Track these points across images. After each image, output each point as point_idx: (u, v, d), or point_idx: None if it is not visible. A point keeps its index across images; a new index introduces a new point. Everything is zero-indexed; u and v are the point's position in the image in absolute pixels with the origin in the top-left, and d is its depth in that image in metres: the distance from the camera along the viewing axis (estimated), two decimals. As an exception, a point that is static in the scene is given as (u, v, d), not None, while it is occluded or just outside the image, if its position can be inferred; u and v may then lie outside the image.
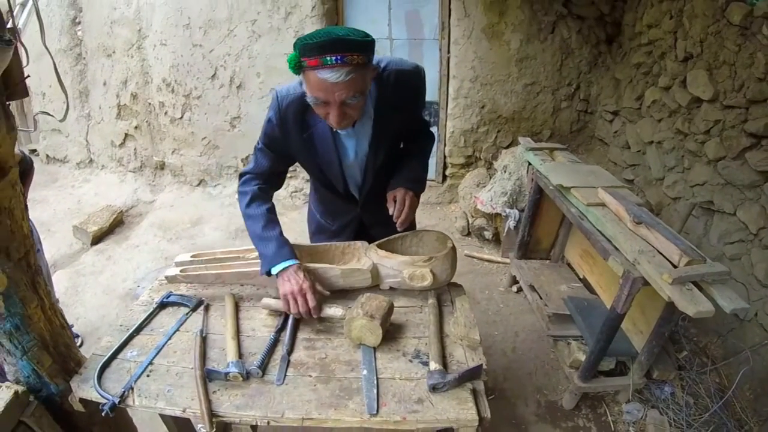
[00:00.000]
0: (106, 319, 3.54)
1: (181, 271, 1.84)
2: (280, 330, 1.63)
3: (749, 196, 3.24)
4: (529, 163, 3.43)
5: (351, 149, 1.77)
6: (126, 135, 5.68)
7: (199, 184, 5.51)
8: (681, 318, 2.46)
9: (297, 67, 1.40)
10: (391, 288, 1.84)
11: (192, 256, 1.94)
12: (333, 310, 1.61)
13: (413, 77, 1.71)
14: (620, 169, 4.63)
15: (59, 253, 4.47)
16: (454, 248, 1.83)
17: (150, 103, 5.41)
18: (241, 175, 1.87)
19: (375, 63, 1.55)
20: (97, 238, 4.62)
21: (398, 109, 1.70)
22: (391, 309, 1.59)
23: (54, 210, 5.26)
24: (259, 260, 1.74)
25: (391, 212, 1.76)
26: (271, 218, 1.77)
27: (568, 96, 4.89)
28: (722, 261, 3.33)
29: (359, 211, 2.04)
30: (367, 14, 4.69)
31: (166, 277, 1.85)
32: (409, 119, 1.84)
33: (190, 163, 5.46)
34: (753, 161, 3.15)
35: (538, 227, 3.60)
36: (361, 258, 1.84)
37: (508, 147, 4.92)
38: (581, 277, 3.41)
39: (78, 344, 3.28)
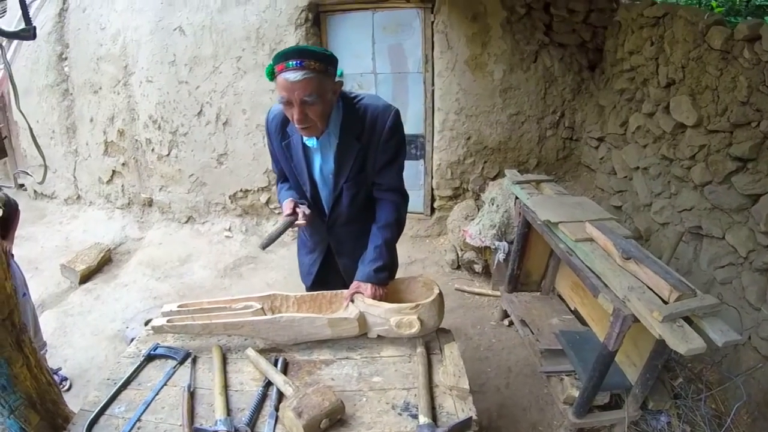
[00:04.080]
0: (95, 361, 3.49)
1: (167, 321, 1.81)
2: (268, 384, 1.60)
3: (737, 219, 3.25)
4: (516, 197, 3.44)
5: (317, 163, 1.96)
6: (113, 171, 5.66)
7: (187, 221, 5.47)
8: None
9: (271, 74, 1.70)
10: (379, 336, 1.82)
11: (179, 306, 1.91)
12: (284, 388, 1.55)
13: (382, 113, 1.86)
14: (608, 195, 4.65)
15: (47, 293, 4.41)
16: (440, 294, 1.83)
17: (137, 140, 5.40)
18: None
19: (348, 92, 1.89)
20: (85, 277, 4.56)
21: (361, 139, 1.87)
22: (337, 410, 1.44)
23: (42, 247, 5.20)
24: (245, 310, 1.82)
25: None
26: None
27: (553, 124, 4.93)
28: (713, 286, 3.35)
29: (326, 235, 2.13)
30: (351, 49, 4.72)
31: (153, 328, 1.82)
32: (378, 158, 1.91)
33: (177, 200, 5.43)
34: (739, 185, 3.17)
35: (527, 260, 3.58)
36: (348, 306, 1.82)
37: (495, 178, 4.93)
38: (572, 308, 3.40)
39: (66, 387, 3.24)
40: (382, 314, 1.76)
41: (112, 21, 5.09)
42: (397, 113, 1.88)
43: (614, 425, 2.82)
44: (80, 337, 3.75)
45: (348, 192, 1.95)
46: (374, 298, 1.84)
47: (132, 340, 3.45)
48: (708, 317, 2.08)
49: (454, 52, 4.54)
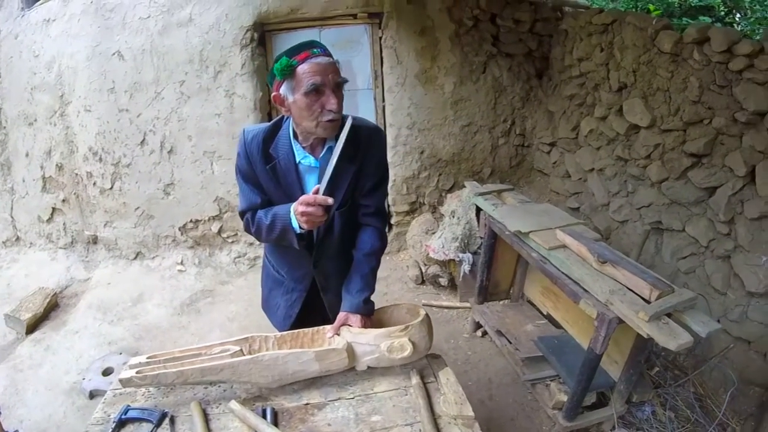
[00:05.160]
0: (53, 419, 3.22)
1: (137, 372, 1.65)
2: (259, 439, 1.48)
3: (696, 211, 3.38)
4: (478, 208, 3.44)
5: (312, 186, 1.76)
6: (54, 209, 5.30)
7: (136, 258, 5.16)
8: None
9: (287, 68, 1.58)
10: (369, 368, 1.73)
11: (147, 358, 1.76)
12: None
13: (375, 134, 1.85)
14: (563, 198, 4.72)
15: (-8, 347, 4.07)
16: (428, 316, 1.77)
17: (77, 174, 5.08)
18: (242, 217, 1.92)
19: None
20: (32, 326, 4.22)
21: (353, 161, 1.76)
22: None
23: (-18, 296, 4.82)
24: (223, 354, 1.69)
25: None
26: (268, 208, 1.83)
27: (505, 132, 4.99)
28: (677, 276, 3.46)
29: (312, 268, 1.97)
30: (299, 67, 4.61)
31: (120, 381, 1.65)
32: (367, 180, 1.84)
33: (124, 236, 5.12)
34: (696, 179, 3.31)
35: (495, 270, 3.57)
36: (333, 338, 1.72)
37: (450, 189, 4.93)
38: (545, 313, 3.40)
39: (26, 452, 2.98)
40: (371, 340, 1.67)
41: (46, 48, 4.79)
42: (384, 134, 1.83)
43: (602, 422, 2.83)
44: (34, 394, 3.45)
45: (340, 219, 1.84)
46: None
47: (90, 392, 3.24)
48: (688, 311, 2.15)
49: (403, 67, 4.51)
